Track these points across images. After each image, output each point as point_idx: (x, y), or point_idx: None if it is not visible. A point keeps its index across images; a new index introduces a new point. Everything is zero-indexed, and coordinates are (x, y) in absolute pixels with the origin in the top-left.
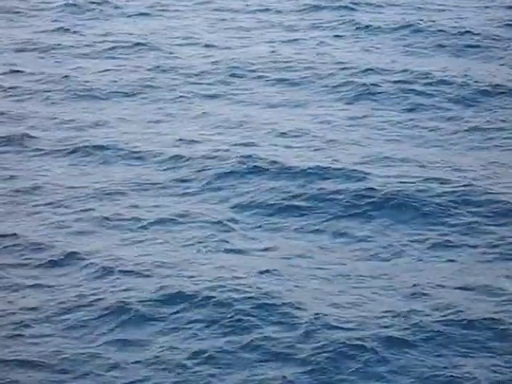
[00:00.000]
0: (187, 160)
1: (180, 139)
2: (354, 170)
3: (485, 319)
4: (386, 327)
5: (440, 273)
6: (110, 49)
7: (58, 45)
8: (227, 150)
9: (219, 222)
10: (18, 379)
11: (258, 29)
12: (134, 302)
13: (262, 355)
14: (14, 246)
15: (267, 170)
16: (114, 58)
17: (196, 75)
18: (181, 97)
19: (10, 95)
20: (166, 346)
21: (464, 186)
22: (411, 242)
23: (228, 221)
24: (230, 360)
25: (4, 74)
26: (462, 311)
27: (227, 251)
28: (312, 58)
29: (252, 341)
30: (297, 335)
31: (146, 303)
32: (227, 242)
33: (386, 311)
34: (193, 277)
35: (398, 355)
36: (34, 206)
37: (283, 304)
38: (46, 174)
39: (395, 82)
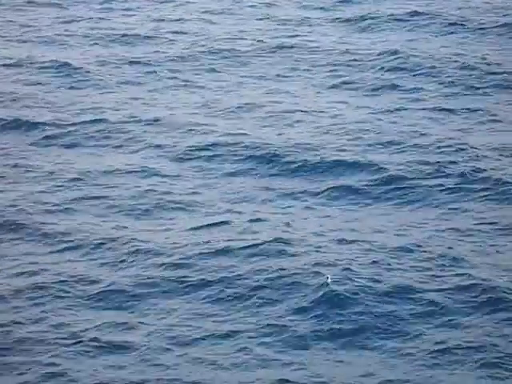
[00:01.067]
0: (188, 147)
1: (181, 127)
2: (360, 156)
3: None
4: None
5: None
6: (102, 38)
7: (57, 35)
8: (233, 139)
9: (228, 208)
10: (18, 358)
11: (257, 21)
12: (133, 281)
13: (281, 330)
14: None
15: (272, 156)
16: (108, 47)
17: (198, 65)
18: (183, 85)
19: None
20: (167, 325)
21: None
22: (419, 220)
23: (236, 203)
24: (238, 334)
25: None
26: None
27: (230, 236)
28: (312, 49)
29: (268, 316)
30: (311, 306)
31: (145, 283)
32: (231, 225)
33: (396, 285)
34: (197, 258)
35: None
36: (36, 190)
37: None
38: (44, 158)
39: (397, 69)
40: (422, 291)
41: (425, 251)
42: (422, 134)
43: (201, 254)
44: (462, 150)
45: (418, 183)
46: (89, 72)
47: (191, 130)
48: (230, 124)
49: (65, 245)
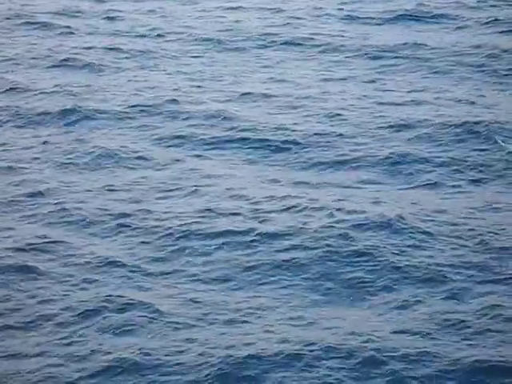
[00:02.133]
0: (200, 135)
1: (193, 117)
2: (369, 147)
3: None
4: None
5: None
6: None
7: (67, 25)
8: (240, 128)
9: (236, 194)
10: (25, 339)
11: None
12: (141, 263)
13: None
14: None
15: (283, 145)
16: (117, 40)
17: (205, 58)
18: (188, 78)
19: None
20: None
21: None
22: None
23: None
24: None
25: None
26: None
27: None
28: (319, 42)
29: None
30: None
31: (155, 261)
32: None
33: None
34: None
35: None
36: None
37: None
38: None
39: (403, 63)
40: (427, 265)
41: (430, 232)
42: (428, 125)
43: (213, 241)
44: (466, 139)
45: (425, 171)
46: (101, 65)
47: (205, 119)
48: (239, 114)
49: (75, 227)
